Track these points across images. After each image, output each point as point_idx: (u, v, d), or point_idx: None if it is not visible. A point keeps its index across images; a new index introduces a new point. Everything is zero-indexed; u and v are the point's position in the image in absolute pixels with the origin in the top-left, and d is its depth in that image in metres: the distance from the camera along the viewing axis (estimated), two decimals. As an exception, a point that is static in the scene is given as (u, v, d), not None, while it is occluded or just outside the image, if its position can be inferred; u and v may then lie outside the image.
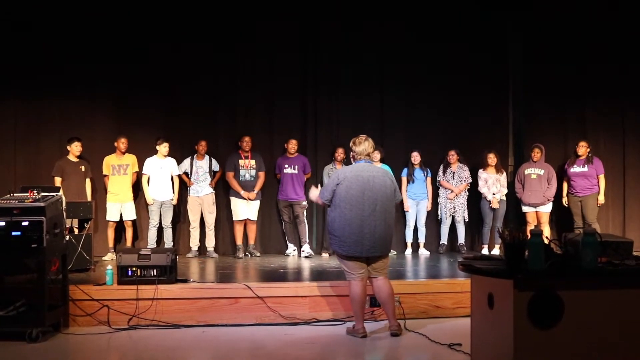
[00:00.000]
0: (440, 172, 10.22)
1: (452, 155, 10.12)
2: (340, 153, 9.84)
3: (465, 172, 10.15)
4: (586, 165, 9.89)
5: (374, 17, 10.27)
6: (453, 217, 10.17)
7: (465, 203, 10.17)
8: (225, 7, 10.00)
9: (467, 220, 10.17)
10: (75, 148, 9.21)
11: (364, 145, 6.02)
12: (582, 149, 9.95)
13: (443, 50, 10.34)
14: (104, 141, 9.67)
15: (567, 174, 10.06)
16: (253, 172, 9.70)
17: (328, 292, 6.68)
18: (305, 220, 9.86)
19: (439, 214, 10.26)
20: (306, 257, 9.58)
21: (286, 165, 9.83)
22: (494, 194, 9.95)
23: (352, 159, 6.15)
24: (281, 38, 10.24)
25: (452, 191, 10.09)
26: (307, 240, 9.82)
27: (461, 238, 10.16)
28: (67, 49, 9.71)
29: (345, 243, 5.82)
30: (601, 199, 9.91)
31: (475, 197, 10.23)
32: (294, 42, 10.35)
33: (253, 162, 9.72)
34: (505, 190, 10.04)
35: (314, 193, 6.27)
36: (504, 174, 10.09)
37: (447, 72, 10.38)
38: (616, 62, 10.55)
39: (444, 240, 10.22)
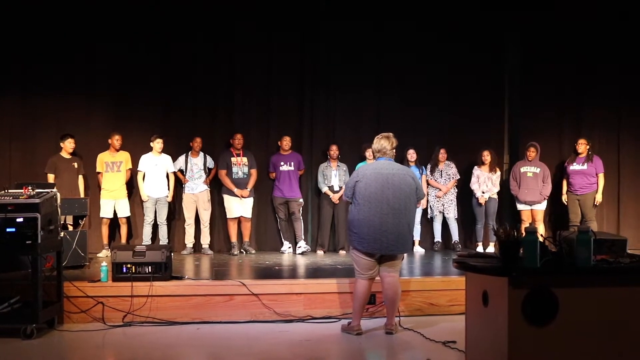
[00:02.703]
0: (428, 171, 10.22)
1: (443, 154, 10.13)
2: (334, 150, 9.85)
3: (452, 169, 10.17)
4: (586, 164, 9.90)
5: (373, 16, 10.26)
6: (444, 215, 10.18)
7: (455, 200, 10.19)
8: (223, 5, 9.98)
9: (457, 217, 10.19)
10: (68, 145, 9.19)
11: (381, 142, 6.03)
12: (582, 146, 9.95)
13: (441, 49, 10.35)
14: (100, 138, 9.64)
15: (566, 172, 10.08)
16: (245, 169, 9.69)
17: (323, 289, 6.70)
18: (301, 217, 9.87)
19: (429, 212, 10.26)
20: (302, 253, 9.58)
21: (282, 163, 9.83)
22: (483, 192, 9.96)
23: (374, 157, 6.17)
24: (279, 36, 10.24)
25: (440, 189, 10.10)
26: (303, 237, 9.83)
27: (455, 236, 10.17)
28: (63, 45, 9.69)
29: (363, 240, 5.81)
30: (598, 197, 9.93)
31: (467, 194, 10.26)
32: (292, 39, 10.33)
33: (245, 159, 9.71)
34: (496, 189, 10.05)
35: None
36: (498, 173, 10.10)
37: (444, 71, 10.40)
38: (612, 62, 10.59)
39: (438, 237, 10.23)
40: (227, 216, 9.72)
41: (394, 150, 6.11)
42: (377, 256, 5.89)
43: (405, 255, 6.21)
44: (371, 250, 5.84)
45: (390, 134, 6.14)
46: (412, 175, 6.04)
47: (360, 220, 5.82)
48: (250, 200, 9.76)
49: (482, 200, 9.95)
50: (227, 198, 9.68)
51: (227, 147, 9.85)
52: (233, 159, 9.66)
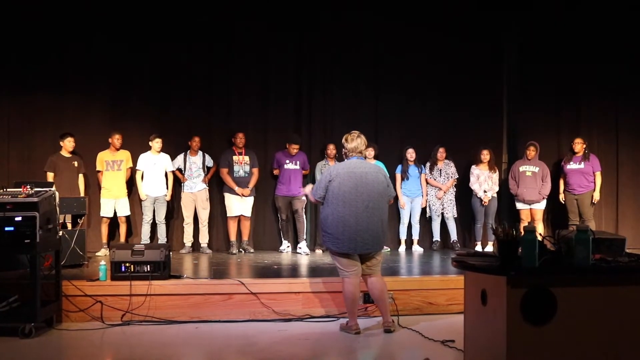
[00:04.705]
0: (427, 170, 10.22)
1: (442, 153, 10.13)
2: (331, 149, 9.84)
3: (451, 168, 10.17)
4: (583, 162, 9.93)
5: (371, 15, 10.26)
6: (442, 214, 10.18)
7: (454, 199, 10.19)
8: (221, 5, 9.98)
9: (456, 216, 10.19)
10: (68, 143, 9.20)
11: (356, 142, 5.98)
12: (578, 145, 9.98)
13: (439, 48, 10.37)
14: (98, 137, 9.65)
15: (563, 171, 10.10)
16: (247, 168, 9.70)
17: (321, 288, 6.70)
18: (304, 216, 9.85)
19: (428, 211, 10.26)
20: (304, 254, 9.54)
21: (287, 161, 9.80)
22: (485, 191, 9.96)
23: (344, 156, 6.13)
24: (277, 35, 10.24)
25: (440, 189, 10.09)
26: (305, 237, 9.82)
27: (453, 235, 10.16)
28: (61, 44, 9.70)
29: (339, 240, 5.79)
30: (596, 195, 9.96)
31: (465, 193, 10.26)
32: (290, 38, 10.33)
33: (247, 158, 9.72)
34: (497, 189, 10.07)
35: (308, 189, 6.27)
36: (497, 172, 10.11)
37: (442, 70, 10.42)
38: (610, 62, 10.58)
39: (437, 237, 10.22)
40: (227, 214, 9.72)
41: (370, 149, 6.14)
42: (354, 255, 5.89)
43: (383, 252, 6.20)
44: (347, 250, 5.81)
45: (359, 132, 6.09)
46: (383, 173, 6.03)
47: (335, 220, 5.78)
48: (251, 199, 9.77)
49: (485, 200, 9.93)
50: (227, 196, 9.68)
51: (229, 145, 9.85)
52: (235, 158, 9.67)
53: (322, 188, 5.87)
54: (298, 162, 9.83)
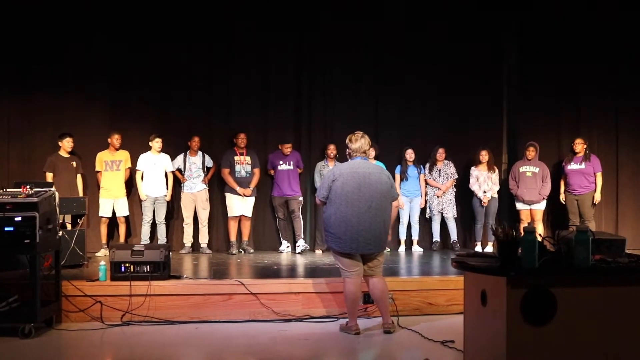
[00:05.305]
0: (427, 171, 10.21)
1: (441, 153, 10.12)
2: (332, 150, 9.85)
3: (451, 169, 10.17)
4: (583, 163, 9.92)
5: (370, 16, 10.25)
6: (442, 214, 10.17)
7: (454, 200, 10.19)
8: (221, 5, 9.99)
9: (456, 216, 10.18)
10: (66, 144, 9.20)
11: (360, 142, 5.99)
12: (579, 145, 9.97)
13: (439, 48, 10.36)
14: (97, 137, 9.65)
15: (564, 172, 10.09)
16: (248, 168, 9.70)
17: (321, 288, 6.69)
18: (301, 216, 9.86)
19: (428, 211, 10.26)
20: (301, 252, 9.58)
21: (280, 162, 9.82)
22: (485, 191, 9.96)
23: (348, 156, 6.13)
24: (277, 35, 10.23)
25: (439, 189, 10.09)
26: (302, 236, 9.83)
27: (453, 235, 10.16)
28: (61, 44, 9.70)
29: (341, 240, 5.79)
30: (597, 196, 9.94)
31: (465, 193, 10.25)
32: (290, 39, 10.33)
33: (248, 158, 9.73)
34: (497, 188, 10.07)
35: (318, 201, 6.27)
36: (496, 172, 10.10)
37: (443, 70, 10.40)
38: (610, 62, 10.59)
39: (437, 237, 10.22)
40: (229, 214, 9.72)
41: (371, 149, 6.13)
42: (356, 256, 5.89)
43: (384, 253, 6.20)
44: (348, 250, 5.81)
45: (362, 133, 6.09)
46: (387, 174, 6.03)
47: (337, 219, 5.78)
48: (252, 200, 9.78)
49: (485, 200, 9.93)
50: (229, 196, 9.69)
51: (229, 145, 9.85)
52: (236, 158, 9.67)
53: (326, 188, 5.88)
54: (292, 162, 9.84)
